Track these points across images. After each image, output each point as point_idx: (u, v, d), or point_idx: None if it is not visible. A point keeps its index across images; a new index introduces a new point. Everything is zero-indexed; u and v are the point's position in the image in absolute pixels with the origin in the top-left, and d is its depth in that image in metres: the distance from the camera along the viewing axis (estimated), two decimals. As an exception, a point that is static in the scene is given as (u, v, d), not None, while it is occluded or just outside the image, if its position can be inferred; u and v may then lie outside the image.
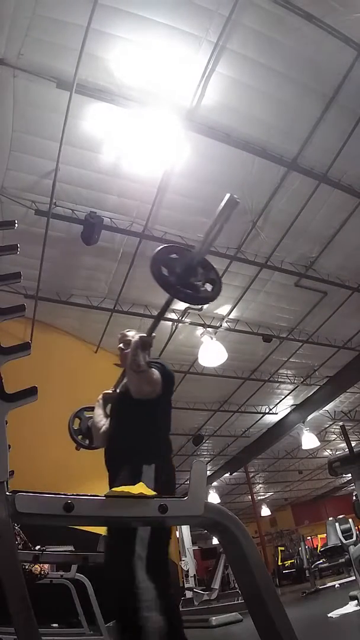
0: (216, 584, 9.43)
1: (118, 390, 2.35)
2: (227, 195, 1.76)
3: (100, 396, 2.48)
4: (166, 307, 2.03)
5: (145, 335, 2.03)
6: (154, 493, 1.07)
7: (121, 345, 2.35)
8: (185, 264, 1.78)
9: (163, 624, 1.53)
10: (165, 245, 1.87)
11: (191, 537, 11.46)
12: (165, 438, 2.08)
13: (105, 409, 2.42)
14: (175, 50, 4.09)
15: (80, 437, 2.79)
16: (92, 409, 2.61)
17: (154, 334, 2.07)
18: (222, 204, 1.77)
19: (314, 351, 8.96)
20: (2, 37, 3.75)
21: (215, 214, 1.79)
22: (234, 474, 15.02)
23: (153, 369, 2.01)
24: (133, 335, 2.22)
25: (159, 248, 1.84)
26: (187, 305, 7.08)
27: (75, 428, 2.82)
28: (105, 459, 2.07)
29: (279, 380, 9.95)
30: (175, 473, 2.01)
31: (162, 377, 2.03)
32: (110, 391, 2.48)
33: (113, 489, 1.05)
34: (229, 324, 7.74)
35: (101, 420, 2.34)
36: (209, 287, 1.83)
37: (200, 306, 7.17)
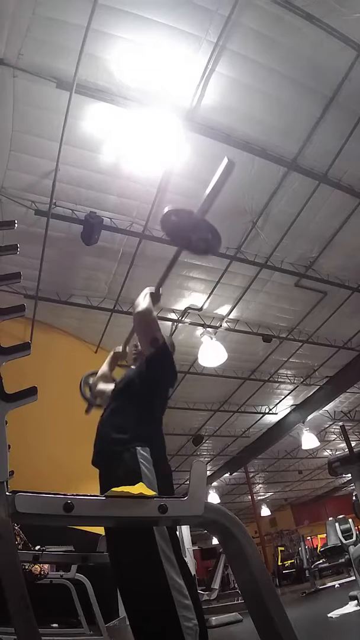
0: (216, 584, 9.43)
1: (119, 381, 2.31)
2: (225, 160, 1.90)
3: (112, 353, 2.74)
4: (174, 259, 2.26)
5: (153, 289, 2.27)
6: (154, 493, 1.07)
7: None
8: (189, 222, 2.02)
9: (198, 626, 1.49)
10: (172, 209, 2.09)
11: (191, 537, 11.43)
12: (158, 432, 2.03)
13: (111, 365, 2.68)
14: (175, 50, 4.08)
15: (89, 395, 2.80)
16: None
17: (161, 290, 2.32)
18: (220, 168, 1.90)
19: (314, 351, 8.96)
20: (2, 37, 3.75)
21: (214, 177, 1.93)
22: (234, 474, 15.02)
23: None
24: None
25: (166, 210, 2.07)
26: (187, 305, 7.11)
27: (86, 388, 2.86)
28: (95, 444, 2.00)
29: (279, 380, 9.94)
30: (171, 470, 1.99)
31: (164, 347, 2.08)
32: (120, 349, 2.73)
33: (113, 489, 1.05)
34: (228, 324, 7.74)
35: (103, 373, 2.60)
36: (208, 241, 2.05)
37: (200, 306, 7.18)
